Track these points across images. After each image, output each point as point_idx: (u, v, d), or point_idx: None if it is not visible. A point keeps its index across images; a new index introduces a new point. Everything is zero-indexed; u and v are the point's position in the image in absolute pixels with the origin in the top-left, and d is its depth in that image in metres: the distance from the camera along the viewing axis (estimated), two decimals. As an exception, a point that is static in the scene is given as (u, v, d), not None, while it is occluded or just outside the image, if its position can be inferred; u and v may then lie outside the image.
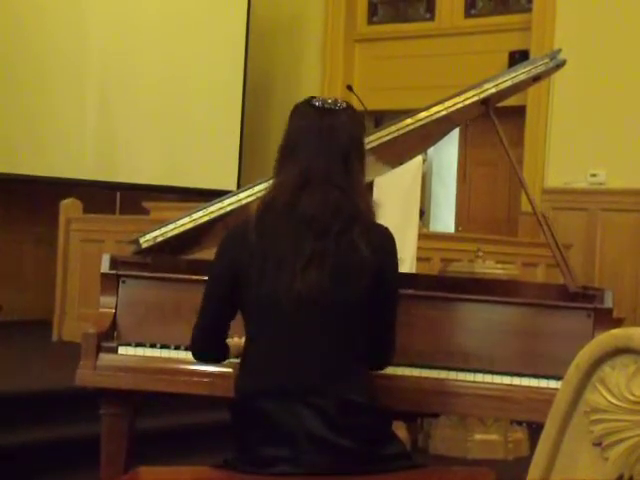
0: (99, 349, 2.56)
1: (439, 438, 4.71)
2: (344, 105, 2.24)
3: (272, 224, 2.14)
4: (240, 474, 2.04)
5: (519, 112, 6.93)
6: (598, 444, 1.32)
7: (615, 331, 1.33)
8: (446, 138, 3.50)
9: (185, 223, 2.72)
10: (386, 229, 2.20)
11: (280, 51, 8.27)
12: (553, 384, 2.44)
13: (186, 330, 2.29)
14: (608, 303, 2.54)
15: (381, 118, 7.57)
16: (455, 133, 7.37)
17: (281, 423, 2.04)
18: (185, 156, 7.41)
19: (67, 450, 3.74)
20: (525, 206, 6.72)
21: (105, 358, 2.56)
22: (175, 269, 2.77)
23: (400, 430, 3.99)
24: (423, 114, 2.72)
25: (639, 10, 6.67)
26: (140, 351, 2.58)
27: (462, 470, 2.60)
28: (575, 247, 6.33)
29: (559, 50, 2.93)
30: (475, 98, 2.76)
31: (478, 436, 4.67)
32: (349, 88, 6.00)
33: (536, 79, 2.94)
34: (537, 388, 2.47)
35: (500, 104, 2.97)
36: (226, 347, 2.29)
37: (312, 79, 8.04)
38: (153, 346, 2.58)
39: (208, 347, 2.28)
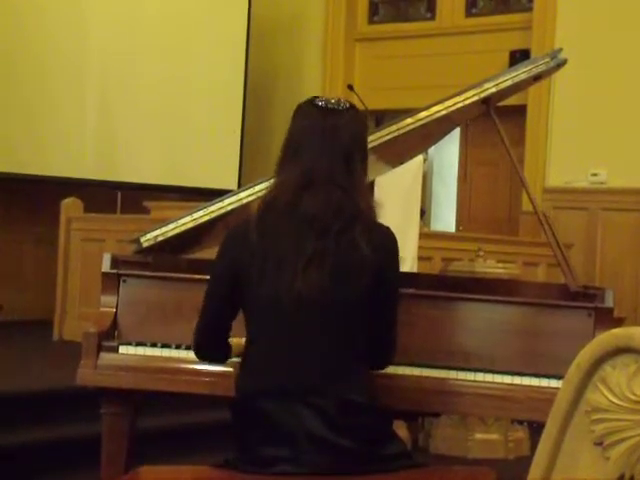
0: (100, 348, 2.56)
1: (440, 437, 4.70)
2: (347, 105, 2.24)
3: (274, 223, 2.13)
4: (240, 474, 2.04)
5: (520, 111, 6.93)
6: (599, 443, 1.32)
7: (616, 330, 1.33)
8: (447, 137, 3.49)
9: (186, 222, 2.72)
10: (387, 229, 2.20)
11: (280, 51, 8.26)
12: (554, 383, 2.44)
13: (187, 329, 2.29)
14: (609, 302, 2.53)
15: (382, 117, 7.57)
16: (456, 132, 7.36)
17: (281, 423, 2.04)
18: (186, 155, 7.41)
19: (67, 450, 3.74)
20: (526, 205, 6.72)
21: (106, 357, 2.56)
22: (176, 268, 2.77)
23: (401, 429, 3.99)
24: (424, 113, 2.72)
25: (639, 10, 6.67)
26: (141, 350, 2.58)
27: (463, 469, 2.60)
28: (576, 246, 6.33)
29: (560, 49, 2.93)
30: (476, 97, 2.76)
31: (479, 435, 4.67)
32: (350, 88, 6.00)
33: (537, 78, 2.94)
34: (538, 387, 2.47)
35: (501, 103, 2.96)
36: (228, 346, 2.29)
37: (313, 79, 8.04)
38: (154, 345, 2.58)
39: (210, 346, 2.28)
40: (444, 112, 2.73)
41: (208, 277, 2.26)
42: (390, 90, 7.71)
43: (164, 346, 2.58)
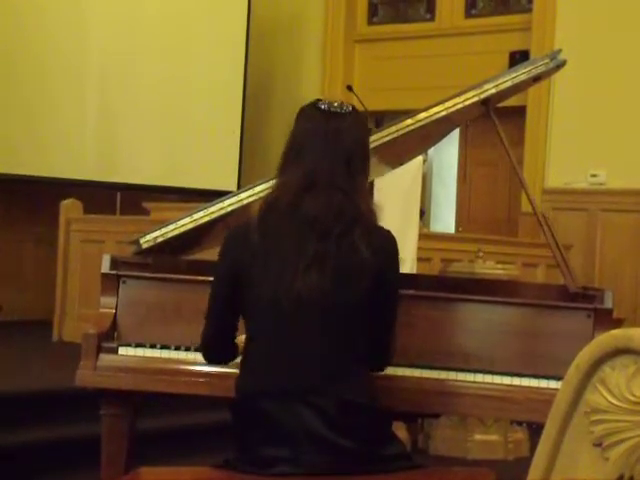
0: (99, 349, 2.56)
1: (439, 438, 4.71)
2: (350, 109, 2.25)
3: (275, 224, 2.14)
4: (240, 474, 2.04)
5: (519, 112, 6.93)
6: (598, 444, 1.32)
7: (615, 332, 1.33)
8: (446, 138, 3.50)
9: (185, 223, 2.72)
10: (388, 231, 2.20)
11: (280, 51, 8.26)
12: (553, 384, 2.44)
13: (186, 331, 2.29)
14: (608, 303, 2.54)
15: (381, 118, 7.56)
16: (455, 133, 7.37)
17: (281, 423, 2.04)
18: (185, 156, 7.41)
19: (67, 450, 3.74)
20: (525, 206, 6.72)
21: (105, 358, 2.56)
22: (175, 269, 2.77)
23: (400, 430, 3.99)
24: (423, 115, 2.72)
25: (639, 10, 6.67)
26: (140, 351, 2.58)
27: (462, 471, 2.60)
28: (575, 247, 6.33)
29: (559, 50, 2.93)
30: (475, 98, 2.76)
31: (478, 436, 4.67)
32: (349, 88, 5.99)
33: (536, 79, 2.94)
34: (537, 388, 2.47)
35: (500, 104, 2.97)
36: (235, 347, 2.29)
37: (312, 79, 8.04)
38: (153, 346, 2.58)
39: (218, 348, 2.28)
40: (444, 113, 2.73)
41: (208, 278, 2.26)
42: (389, 91, 7.71)
43: (163, 347, 2.58)
